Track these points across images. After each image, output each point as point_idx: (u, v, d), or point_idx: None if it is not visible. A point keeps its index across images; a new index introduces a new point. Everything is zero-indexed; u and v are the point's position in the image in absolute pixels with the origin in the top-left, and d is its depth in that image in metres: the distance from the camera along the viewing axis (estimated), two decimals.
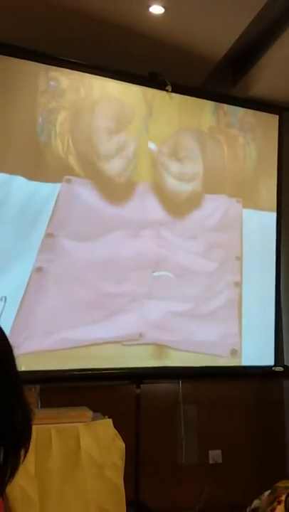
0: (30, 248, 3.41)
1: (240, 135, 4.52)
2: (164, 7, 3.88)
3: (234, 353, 3.95)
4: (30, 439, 1.14)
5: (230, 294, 3.94)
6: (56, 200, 3.49)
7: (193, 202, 4.03)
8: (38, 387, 4.38)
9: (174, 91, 4.35)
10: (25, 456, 1.13)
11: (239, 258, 4.04)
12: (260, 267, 4.14)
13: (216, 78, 4.77)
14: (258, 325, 4.02)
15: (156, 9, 3.91)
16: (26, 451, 1.13)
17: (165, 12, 3.92)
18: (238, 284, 3.99)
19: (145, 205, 3.83)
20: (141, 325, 3.67)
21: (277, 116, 4.78)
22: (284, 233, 4.61)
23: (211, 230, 3.98)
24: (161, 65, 4.30)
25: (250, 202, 4.20)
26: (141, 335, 3.67)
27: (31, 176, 3.49)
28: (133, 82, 4.27)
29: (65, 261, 3.50)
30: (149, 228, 3.78)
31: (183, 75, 4.38)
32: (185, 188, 4.06)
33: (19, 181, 3.38)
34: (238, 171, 4.36)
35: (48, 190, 3.49)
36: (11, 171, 3.36)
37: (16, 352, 3.29)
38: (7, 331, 3.39)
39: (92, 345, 3.54)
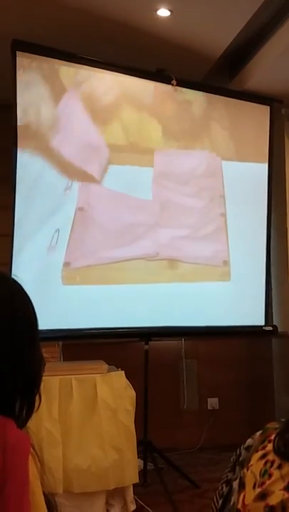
0: (73, 194, 3.95)
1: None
2: (170, 10, 3.83)
3: (225, 263, 4.44)
4: (40, 384, 1.14)
5: (218, 221, 4.47)
6: None
7: (185, 158, 4.50)
8: (60, 343, 4.43)
9: (178, 85, 4.32)
10: (40, 400, 1.14)
11: (222, 196, 4.52)
12: (238, 201, 4.58)
13: (215, 73, 4.72)
14: (242, 241, 4.55)
15: (164, 12, 3.86)
16: (39, 396, 1.14)
17: (171, 15, 3.88)
18: (223, 215, 4.49)
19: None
20: (156, 246, 4.19)
21: (268, 107, 4.74)
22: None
23: (199, 176, 4.49)
24: (167, 62, 4.26)
25: (227, 156, 4.61)
26: (158, 253, 4.18)
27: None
28: (142, 77, 4.25)
29: (99, 202, 4.04)
30: (156, 179, 4.30)
31: (186, 70, 4.34)
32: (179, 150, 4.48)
33: None
34: (220, 135, 4.64)
35: None
36: None
37: (72, 267, 3.63)
38: (63, 254, 3.68)
39: (124, 261, 4.06)
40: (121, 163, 4.16)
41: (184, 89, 4.41)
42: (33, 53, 3.84)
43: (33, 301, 1.17)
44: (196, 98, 4.49)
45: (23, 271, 3.61)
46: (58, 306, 3.80)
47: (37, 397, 1.13)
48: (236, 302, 4.45)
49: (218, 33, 4.11)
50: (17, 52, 3.76)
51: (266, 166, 4.70)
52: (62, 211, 3.88)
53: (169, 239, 4.23)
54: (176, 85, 4.30)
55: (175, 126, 4.40)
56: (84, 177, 4.01)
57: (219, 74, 4.74)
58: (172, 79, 4.28)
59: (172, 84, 4.28)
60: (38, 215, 3.81)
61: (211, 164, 4.53)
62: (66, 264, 3.84)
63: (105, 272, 3.98)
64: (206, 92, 4.52)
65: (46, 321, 3.37)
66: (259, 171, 4.68)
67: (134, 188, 4.20)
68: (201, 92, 4.51)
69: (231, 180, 4.55)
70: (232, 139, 4.62)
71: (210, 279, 4.36)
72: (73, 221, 3.90)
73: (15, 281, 1.16)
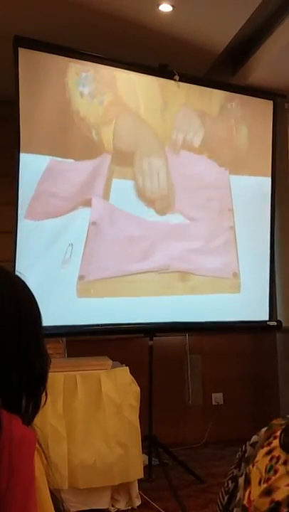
0: (86, 208, 3.97)
1: (233, 118, 4.63)
2: (172, 5, 3.82)
3: (235, 275, 4.44)
4: (46, 381, 1.14)
5: (228, 234, 4.48)
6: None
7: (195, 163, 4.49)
8: (64, 339, 4.44)
9: (180, 80, 4.31)
10: (46, 397, 1.14)
11: (231, 209, 4.51)
12: (246, 215, 4.57)
13: (218, 68, 4.71)
14: (250, 254, 4.55)
15: (165, 7, 3.85)
16: (45, 393, 1.14)
17: (173, 10, 3.86)
18: (232, 228, 4.49)
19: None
20: (168, 259, 4.20)
21: (271, 102, 4.73)
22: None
23: (208, 186, 4.48)
24: (169, 57, 4.24)
25: (235, 170, 4.60)
26: (169, 266, 4.19)
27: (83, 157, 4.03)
28: (145, 73, 4.23)
29: (111, 218, 4.06)
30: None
31: (189, 65, 4.32)
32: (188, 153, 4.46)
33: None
34: (227, 147, 4.62)
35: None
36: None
37: (86, 280, 3.68)
38: (77, 268, 3.75)
39: (137, 274, 4.09)
40: (129, 177, 4.17)
41: (189, 92, 4.41)
42: (35, 49, 3.83)
43: (48, 313, 1.16)
44: (200, 100, 4.48)
45: (38, 284, 3.61)
46: (73, 318, 3.86)
47: (43, 394, 1.13)
48: (245, 311, 4.47)
49: (221, 28, 4.10)
50: (19, 48, 3.75)
51: (270, 179, 4.70)
52: (76, 225, 3.92)
53: (180, 252, 4.25)
54: (179, 80, 4.29)
55: (182, 132, 4.39)
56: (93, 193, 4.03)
57: (222, 69, 4.73)
58: (175, 74, 4.27)
59: (175, 80, 4.27)
60: (51, 229, 3.84)
61: (218, 176, 4.53)
62: (81, 277, 3.88)
63: (118, 285, 4.02)
64: (208, 86, 4.50)
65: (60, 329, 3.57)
66: (264, 184, 4.69)
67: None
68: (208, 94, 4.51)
69: (239, 193, 4.55)
70: (235, 149, 4.62)
71: (220, 291, 4.38)
72: (87, 235, 3.93)
73: (19, 278, 1.16)
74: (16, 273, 1.18)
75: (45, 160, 3.84)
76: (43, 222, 3.81)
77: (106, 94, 4.13)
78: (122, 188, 4.13)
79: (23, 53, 3.76)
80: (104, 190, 4.05)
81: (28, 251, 3.73)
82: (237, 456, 1.13)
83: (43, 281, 3.66)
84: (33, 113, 3.81)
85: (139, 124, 4.24)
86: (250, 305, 4.49)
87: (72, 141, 4.00)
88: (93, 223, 3.96)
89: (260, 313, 4.51)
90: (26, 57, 3.79)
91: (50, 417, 3.30)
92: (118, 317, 3.99)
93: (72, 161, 3.96)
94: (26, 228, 3.73)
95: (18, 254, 3.68)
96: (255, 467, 1.03)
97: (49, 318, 1.16)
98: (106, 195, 4.06)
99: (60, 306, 3.75)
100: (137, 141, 4.23)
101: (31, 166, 3.78)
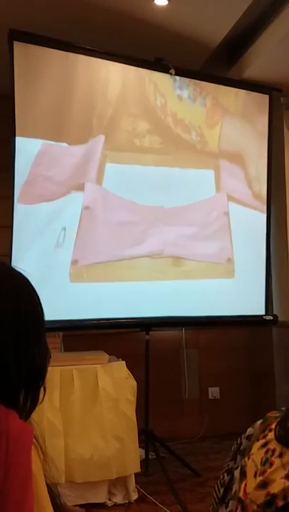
0: (79, 193, 3.95)
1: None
2: None
3: (229, 260, 4.45)
4: (44, 376, 1.14)
5: (222, 220, 4.47)
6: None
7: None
8: (61, 334, 4.45)
9: (176, 74, 4.30)
10: (44, 393, 1.14)
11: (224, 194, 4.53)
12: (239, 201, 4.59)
13: (213, 62, 4.70)
14: (245, 240, 4.55)
15: (161, 1, 3.84)
16: (44, 388, 1.14)
17: (169, 4, 3.86)
18: (227, 213, 4.49)
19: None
20: (161, 244, 4.19)
21: (267, 96, 4.72)
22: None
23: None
24: (165, 51, 4.23)
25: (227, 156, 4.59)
26: (162, 251, 4.18)
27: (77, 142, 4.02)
28: (141, 67, 4.22)
29: (104, 202, 4.04)
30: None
31: (184, 59, 4.31)
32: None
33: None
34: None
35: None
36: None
37: (79, 264, 3.68)
38: (70, 253, 3.75)
39: (130, 258, 4.08)
40: (123, 162, 4.15)
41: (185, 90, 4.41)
42: (30, 43, 3.81)
43: (40, 297, 1.16)
44: (197, 96, 4.47)
45: (31, 268, 3.60)
46: (65, 303, 3.83)
47: (41, 389, 1.13)
48: (239, 297, 4.47)
49: (216, 22, 4.09)
50: (14, 42, 3.74)
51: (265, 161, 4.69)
52: (69, 209, 3.89)
53: (174, 237, 4.24)
54: (175, 74, 4.28)
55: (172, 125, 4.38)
56: (87, 178, 4.01)
57: (217, 63, 4.72)
58: (170, 68, 4.26)
59: (170, 74, 4.27)
60: (44, 213, 3.82)
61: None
62: (74, 262, 3.86)
63: (111, 270, 4.00)
64: (203, 81, 4.49)
65: (54, 318, 3.41)
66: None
67: (137, 188, 4.20)
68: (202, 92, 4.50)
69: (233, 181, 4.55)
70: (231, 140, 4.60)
71: (214, 276, 4.38)
72: (80, 219, 3.91)
73: (20, 274, 1.16)
74: (18, 269, 1.18)
75: (38, 143, 3.81)
76: (36, 206, 3.79)
77: (207, 97, 4.34)
78: (116, 173, 4.10)
79: (18, 47, 3.75)
80: (97, 174, 4.03)
81: (20, 235, 3.70)
82: (232, 448, 1.14)
83: (35, 265, 3.66)
84: (29, 106, 3.80)
85: (242, 126, 4.51)
86: (245, 293, 4.48)
87: (67, 126, 3.98)
88: (86, 208, 3.95)
89: (257, 307, 4.52)
90: (21, 51, 3.77)
91: (47, 411, 3.31)
92: (111, 302, 3.97)
93: (65, 145, 3.94)
94: (19, 212, 3.72)
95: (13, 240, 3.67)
96: (250, 460, 1.04)
97: (42, 302, 1.16)
98: (99, 180, 4.04)
99: (53, 290, 3.71)
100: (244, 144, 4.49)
101: (25, 149, 3.76)
